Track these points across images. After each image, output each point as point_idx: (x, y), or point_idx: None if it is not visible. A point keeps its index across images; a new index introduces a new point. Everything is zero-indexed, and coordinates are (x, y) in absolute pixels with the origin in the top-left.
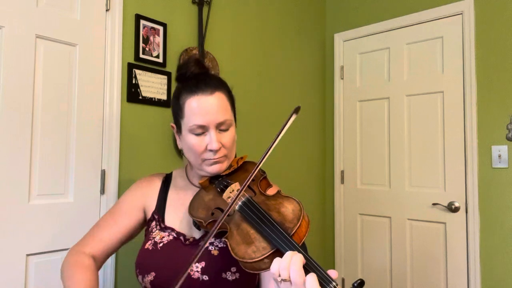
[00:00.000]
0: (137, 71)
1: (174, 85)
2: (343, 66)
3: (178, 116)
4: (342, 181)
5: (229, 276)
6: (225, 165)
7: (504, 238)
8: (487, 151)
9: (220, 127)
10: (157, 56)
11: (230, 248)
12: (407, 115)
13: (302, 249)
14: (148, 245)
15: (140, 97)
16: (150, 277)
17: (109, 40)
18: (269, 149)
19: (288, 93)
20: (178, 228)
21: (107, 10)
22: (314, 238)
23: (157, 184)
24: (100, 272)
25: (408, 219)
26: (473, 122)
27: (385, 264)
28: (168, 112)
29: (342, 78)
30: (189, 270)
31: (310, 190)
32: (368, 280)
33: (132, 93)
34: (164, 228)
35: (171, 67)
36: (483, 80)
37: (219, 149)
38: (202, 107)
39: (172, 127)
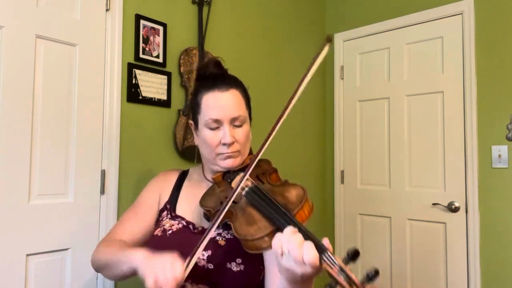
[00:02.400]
0: (137, 71)
1: (174, 85)
2: (343, 66)
3: (195, 112)
4: (342, 181)
5: (234, 267)
6: (238, 160)
7: (504, 238)
8: (487, 151)
9: (234, 123)
10: (157, 56)
11: (233, 229)
12: (407, 115)
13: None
14: (158, 232)
15: (140, 97)
16: None
17: (109, 40)
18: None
19: (288, 93)
20: (188, 217)
21: (107, 10)
22: None
23: (173, 178)
24: None
25: (408, 219)
26: (473, 122)
27: (385, 264)
28: (168, 112)
29: (342, 78)
30: (195, 258)
31: (310, 190)
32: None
33: (132, 93)
34: (175, 217)
35: (171, 67)
36: (483, 80)
37: (232, 143)
38: (218, 102)
39: (190, 124)
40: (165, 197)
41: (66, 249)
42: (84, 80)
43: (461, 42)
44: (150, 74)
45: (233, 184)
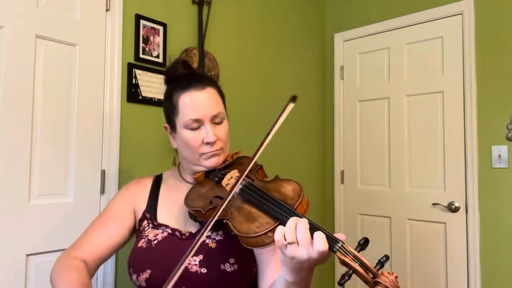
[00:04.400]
0: (137, 71)
1: None
2: (343, 66)
3: (171, 114)
4: (342, 181)
5: (228, 268)
6: (222, 158)
7: (504, 238)
8: (487, 151)
9: (214, 120)
10: (157, 56)
11: (232, 227)
12: (407, 115)
13: None
14: (142, 243)
15: (140, 97)
16: (146, 275)
17: (109, 40)
18: (265, 140)
19: (288, 93)
20: (172, 224)
21: (107, 10)
22: None
23: (147, 185)
24: (100, 270)
25: (408, 219)
26: (473, 122)
27: (385, 264)
28: None
29: (342, 78)
30: (186, 264)
31: (310, 190)
32: None
33: (132, 93)
34: (157, 226)
35: None
36: (483, 80)
37: (216, 141)
38: (196, 101)
39: (166, 128)
40: (142, 206)
41: None
42: (84, 80)
43: (461, 42)
44: (150, 74)
45: (224, 183)
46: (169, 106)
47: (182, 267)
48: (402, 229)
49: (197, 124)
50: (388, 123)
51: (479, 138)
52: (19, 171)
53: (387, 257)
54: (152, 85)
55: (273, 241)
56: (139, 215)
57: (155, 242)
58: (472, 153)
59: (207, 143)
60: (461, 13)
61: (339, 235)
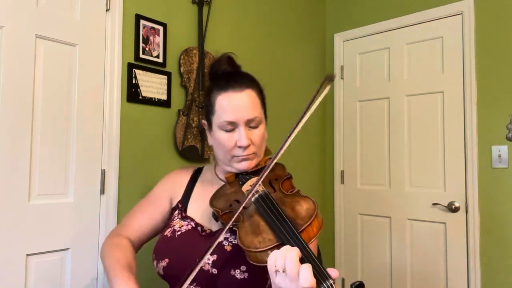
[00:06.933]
0: (137, 71)
1: (174, 85)
2: (343, 66)
3: (209, 112)
4: (342, 181)
5: (238, 274)
6: (254, 162)
7: (504, 238)
8: (487, 151)
9: (250, 124)
10: (157, 56)
11: (238, 237)
12: (407, 115)
13: (313, 250)
14: (168, 232)
15: (140, 97)
16: (164, 263)
17: (109, 40)
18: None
19: (288, 93)
20: (198, 219)
21: (107, 10)
22: None
23: (186, 176)
24: None
25: (408, 219)
26: (473, 122)
27: (385, 264)
28: (168, 112)
29: (342, 78)
30: (202, 264)
31: (310, 190)
32: (368, 280)
33: (132, 93)
34: (185, 218)
35: (171, 67)
36: (483, 80)
37: (249, 145)
38: (232, 104)
39: (204, 124)
40: (178, 196)
41: (66, 249)
42: (84, 80)
43: (461, 42)
44: (150, 74)
45: (244, 188)
46: (207, 104)
47: (198, 267)
48: (402, 229)
49: (232, 126)
50: (388, 123)
51: (479, 138)
52: (19, 171)
53: (360, 284)
54: (152, 85)
55: None
56: (174, 203)
57: (179, 233)
58: (472, 153)
59: (240, 147)
60: (461, 13)
61: (331, 271)
